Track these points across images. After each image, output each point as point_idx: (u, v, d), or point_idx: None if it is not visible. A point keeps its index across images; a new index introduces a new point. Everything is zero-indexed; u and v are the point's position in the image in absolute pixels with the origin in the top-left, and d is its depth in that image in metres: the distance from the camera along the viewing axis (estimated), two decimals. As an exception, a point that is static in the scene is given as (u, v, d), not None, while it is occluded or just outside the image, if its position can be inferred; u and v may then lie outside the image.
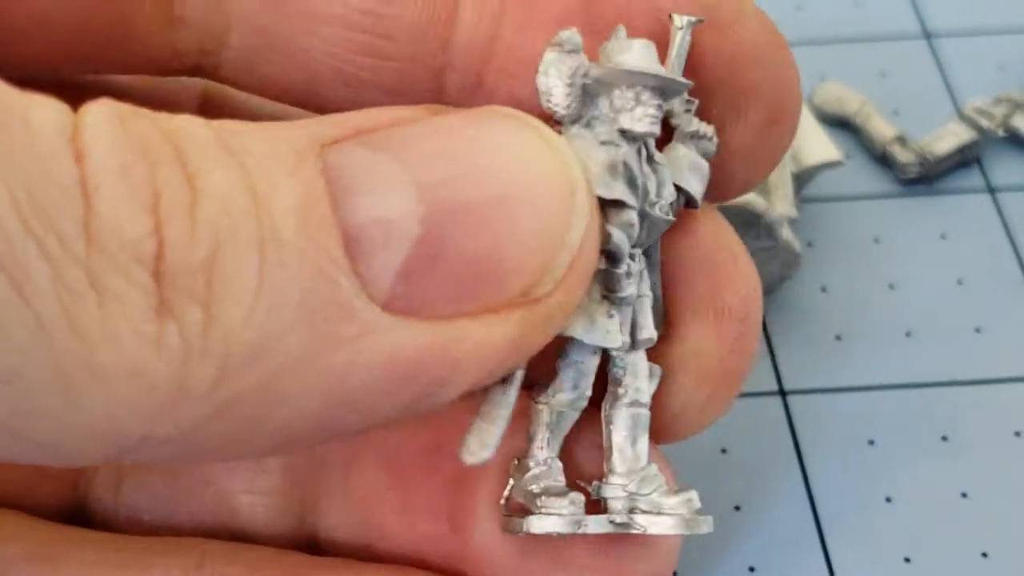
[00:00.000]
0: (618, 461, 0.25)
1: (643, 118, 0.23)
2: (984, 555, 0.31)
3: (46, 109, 0.18)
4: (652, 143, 0.24)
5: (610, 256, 0.23)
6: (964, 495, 0.32)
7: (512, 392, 0.23)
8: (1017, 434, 0.33)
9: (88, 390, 0.17)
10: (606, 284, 0.24)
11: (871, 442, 0.33)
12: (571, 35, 0.23)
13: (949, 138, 0.39)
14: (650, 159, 0.24)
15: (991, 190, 0.39)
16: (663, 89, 0.23)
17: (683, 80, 0.23)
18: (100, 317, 0.17)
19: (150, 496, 0.27)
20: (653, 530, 0.24)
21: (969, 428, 0.34)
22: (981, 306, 0.36)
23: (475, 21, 0.24)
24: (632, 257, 0.24)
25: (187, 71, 0.26)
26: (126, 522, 0.27)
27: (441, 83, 0.25)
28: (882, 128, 0.40)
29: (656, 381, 0.25)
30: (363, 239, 0.19)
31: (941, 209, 0.39)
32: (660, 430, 0.26)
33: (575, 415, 0.25)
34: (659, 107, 0.23)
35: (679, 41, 0.24)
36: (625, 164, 0.23)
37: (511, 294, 0.20)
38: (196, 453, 0.20)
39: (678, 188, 0.24)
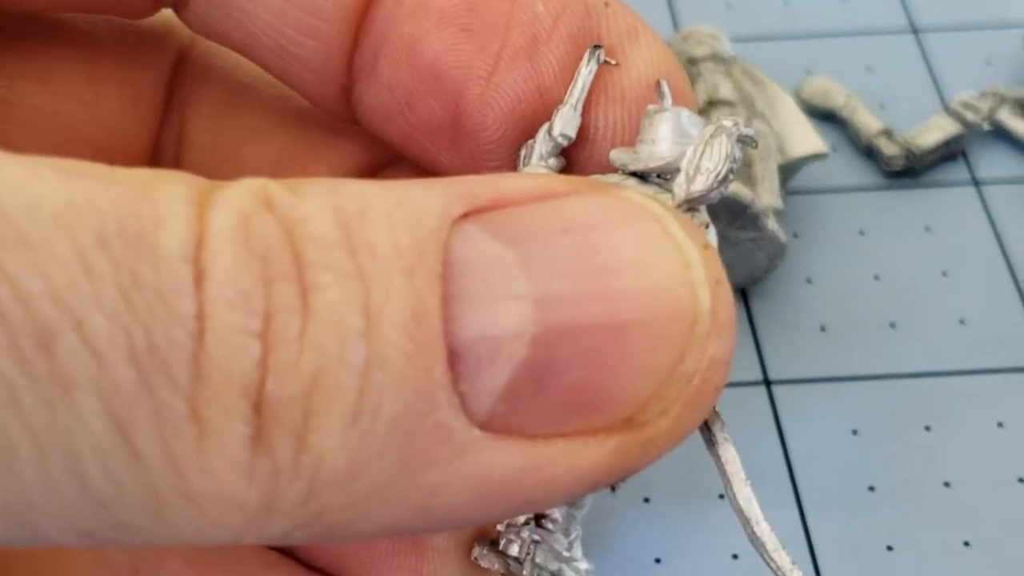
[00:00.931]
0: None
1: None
2: (967, 544, 0.31)
3: (174, 222, 0.17)
4: None
5: None
6: (947, 484, 0.32)
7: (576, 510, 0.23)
8: (1000, 424, 0.34)
9: (179, 511, 0.17)
10: None
11: (855, 432, 0.33)
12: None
13: (934, 131, 0.40)
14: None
15: (976, 183, 0.40)
16: None
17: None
18: (197, 451, 0.17)
19: None
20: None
21: (952, 418, 0.34)
22: (965, 298, 0.37)
23: (393, 6, 0.24)
24: None
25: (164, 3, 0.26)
26: None
27: (350, 63, 0.25)
28: (868, 121, 0.40)
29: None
30: (469, 357, 0.18)
31: (926, 201, 0.39)
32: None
33: None
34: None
35: (583, 75, 0.23)
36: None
37: (613, 420, 0.19)
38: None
39: None
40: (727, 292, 0.20)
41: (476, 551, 0.24)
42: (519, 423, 0.18)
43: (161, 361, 0.17)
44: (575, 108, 0.23)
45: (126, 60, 0.28)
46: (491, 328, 0.18)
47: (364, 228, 0.18)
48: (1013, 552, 0.31)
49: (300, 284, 0.17)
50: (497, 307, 0.18)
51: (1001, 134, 0.40)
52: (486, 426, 0.18)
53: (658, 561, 0.31)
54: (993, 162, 0.40)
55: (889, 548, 0.31)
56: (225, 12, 0.25)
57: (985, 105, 0.40)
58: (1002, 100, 0.40)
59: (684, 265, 0.20)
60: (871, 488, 0.32)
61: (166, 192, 0.17)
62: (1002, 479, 0.33)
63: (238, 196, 0.18)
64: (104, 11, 0.27)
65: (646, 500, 0.32)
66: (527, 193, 0.20)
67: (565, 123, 0.23)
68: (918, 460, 0.33)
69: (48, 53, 0.27)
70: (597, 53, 0.23)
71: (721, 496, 0.32)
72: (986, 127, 0.40)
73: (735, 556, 0.31)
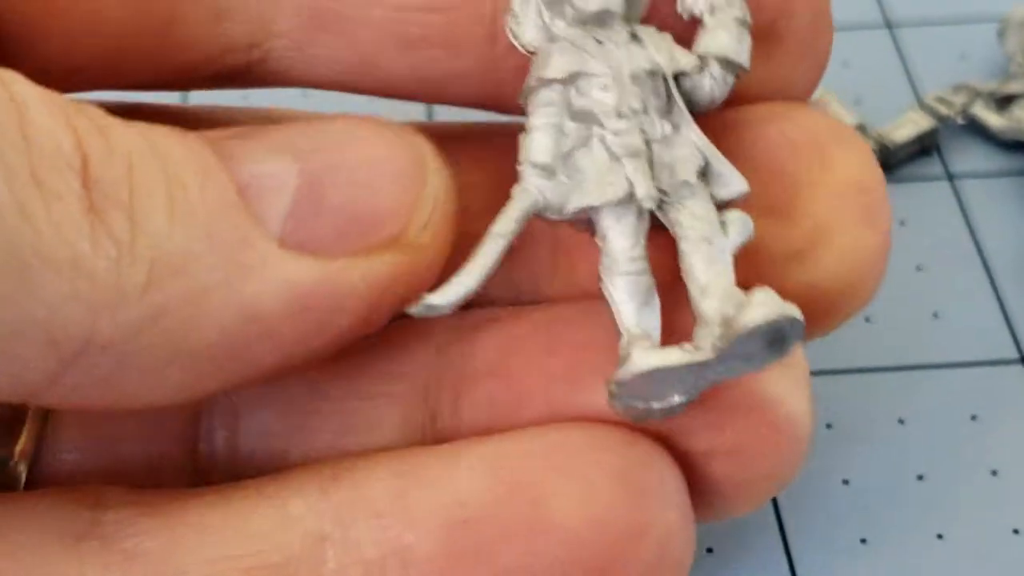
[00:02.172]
0: (697, 301, 0.24)
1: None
2: (940, 536, 0.31)
3: None
4: (631, 25, 0.26)
5: (594, 119, 0.25)
6: (920, 477, 0.33)
7: (491, 244, 0.24)
8: (973, 417, 0.34)
9: (38, 275, 0.20)
10: (604, 148, 0.25)
11: (828, 425, 0.34)
12: None
13: (908, 126, 0.40)
14: (634, 37, 0.25)
15: (950, 177, 0.40)
16: None
17: None
18: (44, 208, 0.20)
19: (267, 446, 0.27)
20: (734, 333, 0.23)
21: (926, 411, 0.34)
22: (939, 292, 0.37)
23: None
24: (627, 116, 0.25)
25: (237, 72, 0.27)
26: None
27: (493, 28, 0.26)
28: (843, 116, 0.40)
29: (742, 232, 0.25)
30: (252, 187, 0.23)
31: (900, 196, 0.39)
32: (807, 320, 0.25)
33: (643, 279, 0.25)
34: None
35: None
36: (577, 45, 0.25)
37: (383, 238, 0.24)
38: (127, 377, 0.22)
39: (716, 58, 0.25)
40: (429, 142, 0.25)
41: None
42: (308, 239, 0.23)
43: None
44: None
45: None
46: (263, 167, 0.23)
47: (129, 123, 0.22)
48: (986, 545, 0.31)
49: (86, 114, 0.21)
50: (261, 158, 0.23)
51: (975, 128, 0.40)
52: (282, 243, 0.23)
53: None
54: (967, 156, 0.40)
55: (863, 541, 0.31)
56: (317, 38, 0.26)
57: (959, 100, 0.40)
58: (976, 94, 0.40)
59: (395, 128, 0.25)
60: (845, 481, 0.32)
61: None
62: (975, 472, 0.33)
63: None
64: (175, 79, 0.28)
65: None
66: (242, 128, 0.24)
67: None
68: (891, 453, 0.33)
69: None
70: None
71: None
72: (960, 121, 0.40)
73: (710, 550, 0.31)
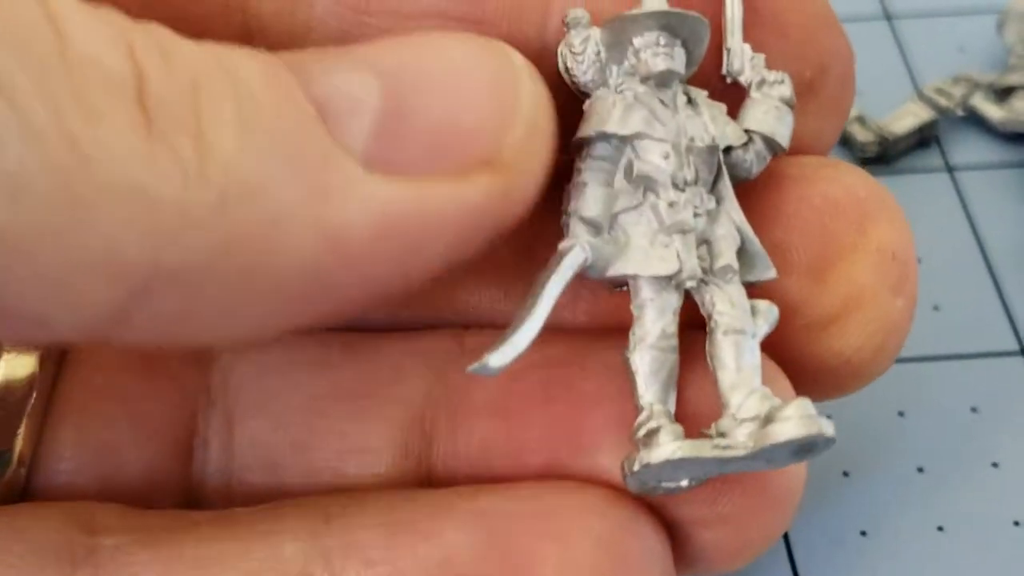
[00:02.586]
0: (727, 392, 0.24)
1: (656, 56, 0.25)
2: (940, 528, 0.31)
3: None
4: (685, 86, 0.25)
5: (651, 185, 0.25)
6: (920, 470, 0.33)
7: (544, 304, 0.24)
8: (973, 409, 0.34)
9: (92, 206, 0.18)
10: (656, 217, 0.25)
11: (828, 417, 0.33)
12: (577, 14, 0.25)
13: (908, 118, 0.40)
14: (690, 101, 0.25)
15: (949, 169, 0.40)
16: (672, 28, 0.25)
17: (685, 12, 0.24)
18: (90, 130, 0.18)
19: (260, 481, 0.27)
20: (766, 441, 0.23)
21: (926, 404, 0.34)
22: (939, 284, 0.37)
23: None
24: (681, 188, 0.25)
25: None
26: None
27: (539, 65, 0.24)
28: (842, 108, 0.40)
29: (768, 321, 0.25)
30: (331, 109, 0.21)
31: (900, 188, 0.39)
32: (830, 383, 0.26)
33: (671, 356, 0.25)
34: (673, 45, 0.25)
35: (730, 3, 0.25)
36: (641, 102, 0.25)
37: (475, 157, 0.22)
38: (200, 311, 0.20)
39: (760, 136, 0.26)
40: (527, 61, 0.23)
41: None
42: (395, 161, 0.21)
43: (26, 45, 0.18)
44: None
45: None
46: (342, 85, 0.21)
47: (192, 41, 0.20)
48: (986, 537, 0.31)
49: (150, 35, 0.19)
50: (341, 74, 0.21)
51: (974, 120, 0.40)
52: (367, 164, 0.21)
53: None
54: (966, 148, 0.40)
55: (863, 533, 0.31)
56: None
57: (958, 91, 0.40)
58: (975, 86, 0.40)
59: (489, 40, 0.23)
60: (845, 473, 0.32)
61: None
62: (976, 464, 0.33)
63: None
64: None
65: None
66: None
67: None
68: (892, 445, 0.33)
69: None
70: None
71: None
72: (959, 113, 0.40)
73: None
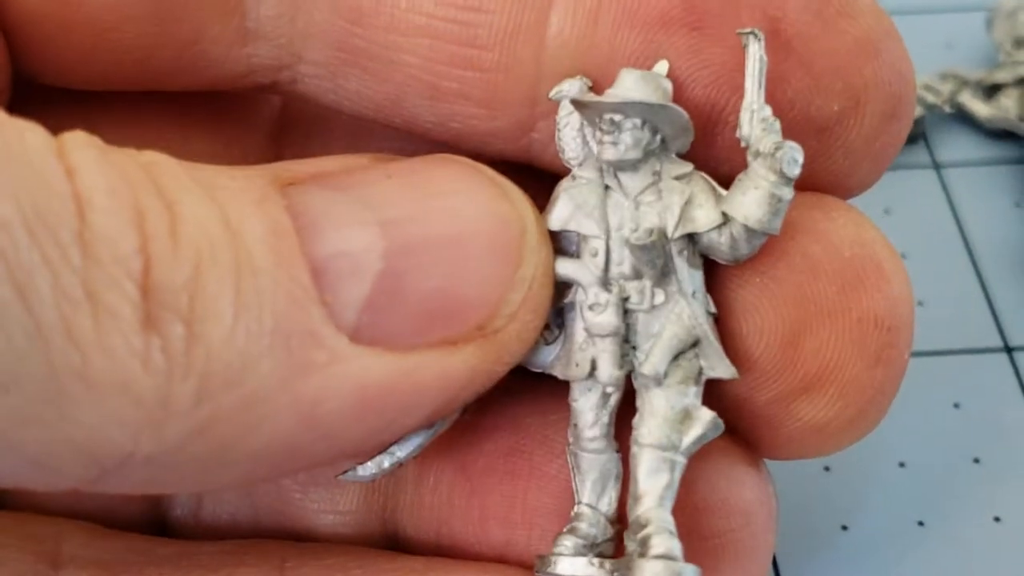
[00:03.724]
0: (630, 504, 0.24)
1: (607, 146, 0.23)
2: (921, 524, 0.31)
3: (36, 131, 0.19)
4: (661, 165, 0.24)
5: (576, 285, 0.24)
6: (902, 464, 0.33)
7: (431, 428, 0.24)
8: (956, 405, 0.34)
9: (79, 401, 0.18)
10: (582, 318, 0.24)
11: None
12: (562, 88, 0.24)
13: (895, 114, 0.40)
14: (656, 184, 0.24)
15: (936, 166, 0.40)
16: (636, 114, 0.23)
17: (639, 103, 0.23)
18: (94, 328, 0.18)
19: (230, 511, 0.27)
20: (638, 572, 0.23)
21: (909, 399, 0.34)
22: (924, 280, 0.37)
23: (569, 23, 0.24)
24: (610, 287, 0.24)
25: (264, 88, 0.26)
26: (205, 536, 0.27)
27: (535, 92, 0.24)
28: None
29: (706, 430, 0.24)
30: (329, 271, 0.20)
31: (886, 184, 0.38)
32: (804, 448, 0.25)
33: (602, 457, 0.24)
34: (624, 131, 0.23)
35: (751, 56, 0.23)
36: (583, 193, 0.24)
37: (468, 327, 0.22)
38: (172, 479, 0.20)
39: (743, 226, 0.23)
40: (537, 213, 0.23)
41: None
42: (385, 333, 0.21)
43: (51, 231, 0.18)
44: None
45: (219, 109, 0.28)
46: (344, 244, 0.20)
47: (207, 176, 0.20)
48: (967, 531, 0.31)
49: (162, 197, 0.19)
50: (346, 230, 0.21)
51: (962, 117, 0.40)
52: (355, 337, 0.20)
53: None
54: (953, 145, 0.40)
55: (844, 528, 0.31)
56: (346, 72, 0.25)
57: (946, 88, 0.40)
58: (963, 83, 0.40)
59: (501, 189, 0.23)
60: (826, 468, 0.32)
61: (25, 121, 0.19)
62: (957, 460, 0.33)
63: (83, 133, 0.19)
64: (201, 88, 0.26)
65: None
66: (341, 166, 0.22)
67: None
68: (874, 440, 0.33)
69: (131, 104, 0.26)
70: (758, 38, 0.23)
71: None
72: (947, 110, 0.40)
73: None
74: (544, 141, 0.25)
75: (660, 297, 0.24)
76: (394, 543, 0.27)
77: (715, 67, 0.24)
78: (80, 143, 0.19)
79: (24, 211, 0.17)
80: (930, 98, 0.40)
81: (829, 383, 0.24)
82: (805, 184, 0.24)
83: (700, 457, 0.24)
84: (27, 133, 0.18)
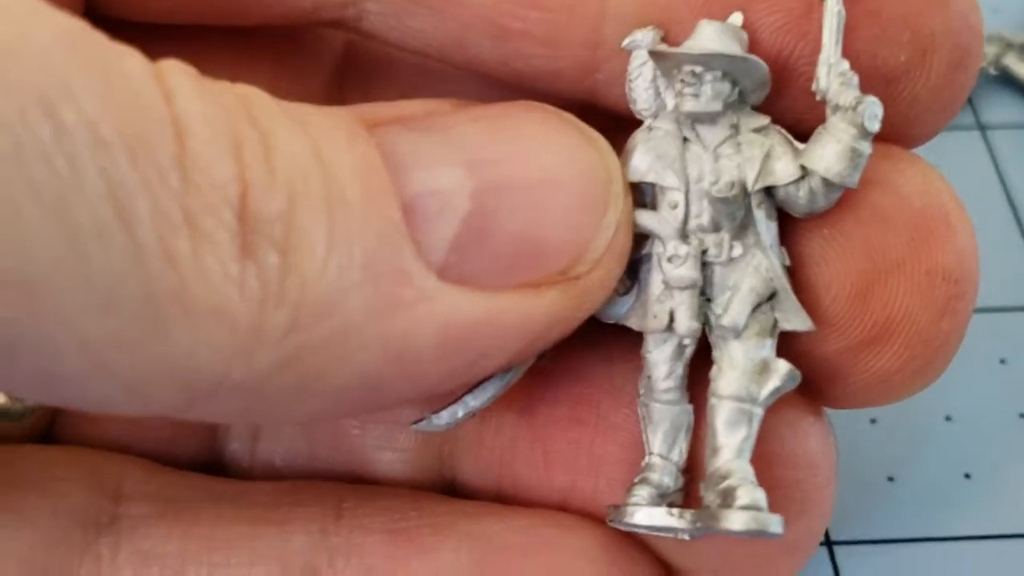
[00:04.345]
0: (708, 456, 0.24)
1: (683, 97, 0.23)
2: (967, 476, 0.32)
3: (135, 55, 0.19)
4: (740, 118, 0.24)
5: (654, 237, 0.24)
6: (948, 418, 0.33)
7: (505, 377, 0.24)
8: (1002, 361, 0.34)
9: (175, 323, 0.18)
10: (661, 270, 0.24)
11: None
12: (636, 37, 0.24)
13: (941, 76, 0.40)
14: (735, 136, 0.24)
15: (981, 127, 0.40)
16: (718, 66, 0.23)
17: (722, 54, 0.23)
18: (192, 251, 0.18)
19: (287, 449, 0.27)
20: (711, 525, 0.23)
21: (956, 355, 0.34)
22: (969, 239, 0.37)
23: None
24: (689, 238, 0.24)
25: (329, 23, 0.26)
26: (261, 474, 0.27)
27: (598, 34, 0.24)
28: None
29: (780, 384, 0.24)
30: (418, 209, 0.20)
31: (931, 146, 0.38)
32: (871, 397, 0.25)
33: (674, 409, 0.25)
34: (705, 83, 0.23)
35: (828, 9, 0.23)
36: (661, 144, 0.24)
37: (552, 271, 0.22)
38: (258, 409, 0.21)
39: (822, 179, 0.23)
40: (619, 163, 0.23)
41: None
42: (471, 273, 0.21)
43: (151, 154, 0.18)
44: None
45: (283, 49, 0.28)
46: (433, 183, 0.21)
47: (300, 112, 0.20)
48: (1013, 485, 0.31)
49: (257, 127, 0.19)
50: (434, 170, 0.21)
51: (1007, 79, 0.40)
52: (443, 275, 0.20)
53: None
54: (998, 107, 0.40)
55: (890, 479, 0.32)
56: (422, 14, 0.25)
57: (991, 50, 0.40)
58: (1008, 46, 0.40)
59: (587, 137, 0.23)
60: (872, 420, 0.33)
61: (125, 46, 0.19)
62: (1003, 414, 0.33)
63: (178, 62, 0.19)
64: (267, 23, 0.27)
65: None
66: (424, 110, 0.22)
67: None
68: (921, 394, 0.33)
69: (197, 40, 0.27)
70: None
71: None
72: (992, 72, 0.40)
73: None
74: (608, 83, 0.25)
75: (738, 250, 0.24)
76: (452, 485, 0.27)
77: (783, 12, 0.24)
78: (177, 70, 0.19)
79: (125, 133, 0.18)
80: (975, 60, 0.40)
81: (897, 334, 0.24)
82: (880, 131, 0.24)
83: (767, 408, 0.24)
84: (127, 57, 0.19)
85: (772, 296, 0.24)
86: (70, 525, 0.24)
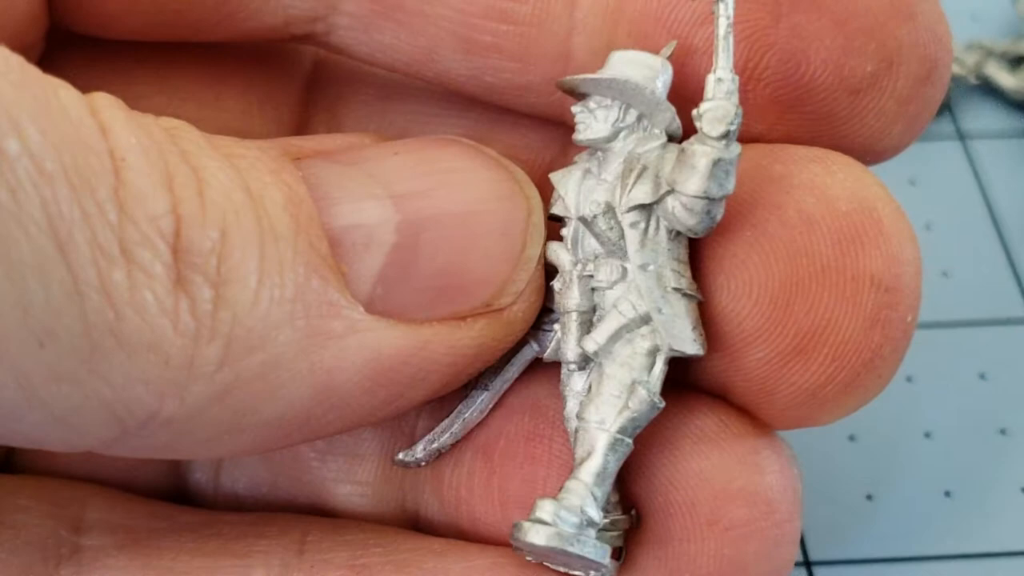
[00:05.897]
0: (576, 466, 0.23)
1: (578, 127, 0.24)
2: (947, 494, 0.31)
3: (68, 88, 0.19)
4: (602, 153, 0.24)
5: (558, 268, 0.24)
6: (927, 435, 0.32)
7: (473, 403, 0.25)
8: (981, 376, 0.34)
9: (110, 357, 0.18)
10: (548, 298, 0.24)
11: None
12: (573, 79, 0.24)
13: (920, 84, 0.39)
14: (618, 169, 0.24)
15: (961, 136, 0.39)
16: (594, 91, 0.23)
17: (586, 77, 0.23)
18: (128, 284, 0.18)
19: (249, 478, 0.27)
20: (518, 535, 0.23)
21: (934, 369, 0.34)
22: (948, 251, 0.36)
23: None
24: (580, 265, 0.24)
25: (299, 38, 0.26)
26: (225, 503, 0.27)
27: (567, 47, 0.24)
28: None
29: (640, 408, 0.23)
30: (345, 242, 0.21)
31: (911, 155, 0.38)
32: (799, 416, 0.23)
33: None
34: (592, 111, 0.23)
35: (718, 15, 0.22)
36: (568, 177, 0.24)
37: (477, 303, 0.22)
38: (188, 443, 0.21)
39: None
40: (539, 196, 0.23)
41: None
42: (398, 305, 0.21)
43: (90, 186, 0.18)
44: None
45: (251, 65, 0.28)
46: (359, 217, 0.21)
47: (225, 142, 0.21)
48: (993, 502, 0.31)
49: (187, 160, 0.19)
50: (359, 203, 0.21)
51: (987, 88, 0.40)
52: (370, 307, 0.21)
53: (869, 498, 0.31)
54: (979, 116, 0.40)
55: (869, 497, 0.31)
56: (381, 24, 0.25)
57: (971, 59, 0.40)
58: (988, 54, 0.40)
59: (507, 171, 0.23)
60: (851, 438, 0.32)
61: (58, 79, 0.19)
62: (983, 430, 0.33)
63: (115, 101, 0.20)
64: (238, 39, 0.26)
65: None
66: (346, 143, 0.23)
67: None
68: (899, 411, 0.33)
69: (165, 56, 0.27)
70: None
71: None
72: (972, 80, 0.40)
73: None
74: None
75: (616, 274, 0.23)
76: (414, 520, 0.26)
77: (748, 23, 0.23)
78: (108, 102, 0.19)
79: (66, 165, 0.18)
80: (955, 69, 0.40)
81: (822, 344, 0.22)
82: (834, 145, 0.23)
83: (716, 444, 0.24)
84: (60, 90, 0.18)
85: (647, 320, 0.23)
86: (31, 556, 0.24)
